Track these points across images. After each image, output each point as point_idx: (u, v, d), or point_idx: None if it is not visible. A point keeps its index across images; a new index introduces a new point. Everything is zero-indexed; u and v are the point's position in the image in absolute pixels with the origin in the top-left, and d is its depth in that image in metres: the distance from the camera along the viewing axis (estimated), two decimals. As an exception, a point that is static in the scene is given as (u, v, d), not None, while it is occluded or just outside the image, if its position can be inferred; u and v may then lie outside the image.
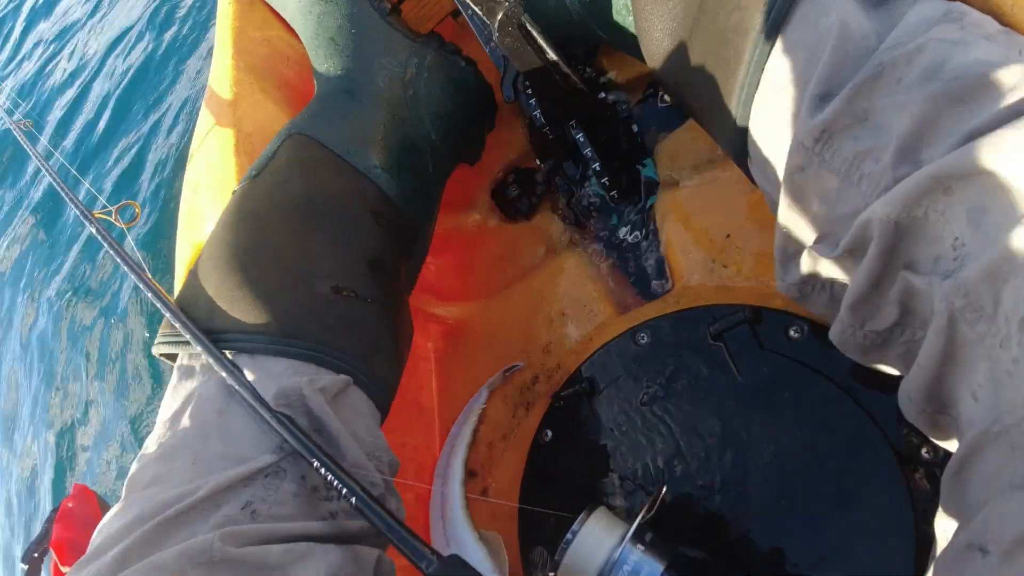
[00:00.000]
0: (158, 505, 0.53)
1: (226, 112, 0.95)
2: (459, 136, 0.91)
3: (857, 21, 0.53)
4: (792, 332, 0.73)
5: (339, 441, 0.60)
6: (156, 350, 0.68)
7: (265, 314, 0.65)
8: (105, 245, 0.75)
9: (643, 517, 0.58)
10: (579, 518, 0.60)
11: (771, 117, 0.57)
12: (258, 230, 0.71)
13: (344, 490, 0.52)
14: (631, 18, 0.76)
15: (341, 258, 0.72)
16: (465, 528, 0.77)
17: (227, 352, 0.63)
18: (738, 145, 0.63)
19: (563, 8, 0.83)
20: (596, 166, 0.90)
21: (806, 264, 0.56)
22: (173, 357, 0.69)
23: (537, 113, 0.93)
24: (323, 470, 0.53)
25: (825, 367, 0.71)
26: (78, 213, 0.81)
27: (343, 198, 0.76)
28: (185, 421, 0.60)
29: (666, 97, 0.97)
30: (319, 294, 0.69)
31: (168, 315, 0.66)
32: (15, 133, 1.03)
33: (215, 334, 0.63)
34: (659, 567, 0.59)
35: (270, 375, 0.62)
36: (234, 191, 0.77)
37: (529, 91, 0.94)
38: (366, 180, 0.78)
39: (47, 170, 0.90)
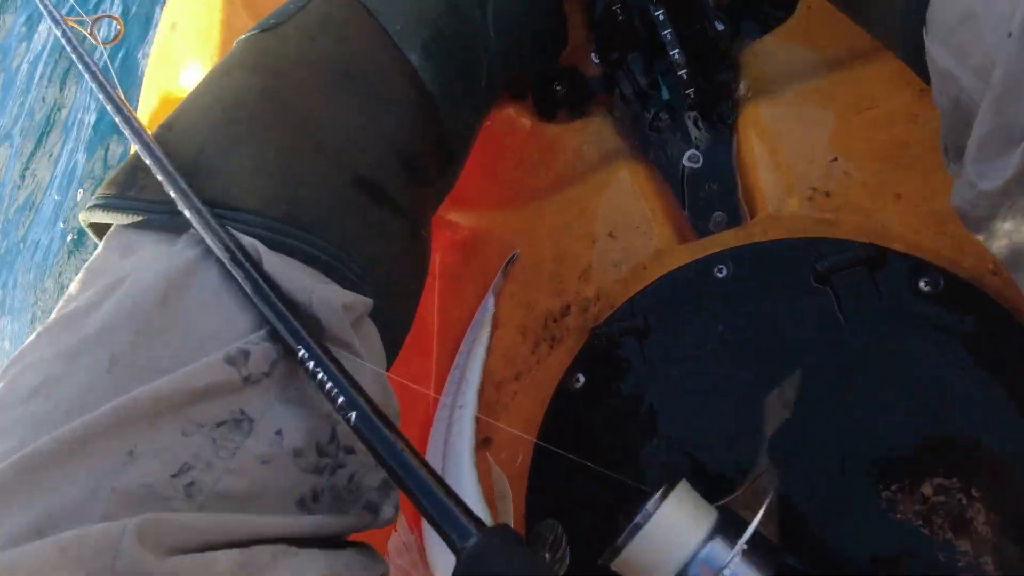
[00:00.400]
0: (39, 428, 0.35)
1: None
2: (519, 57, 0.72)
3: None
4: (923, 284, 0.56)
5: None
6: (87, 217, 0.48)
7: (271, 188, 0.46)
8: (74, 57, 0.55)
9: (759, 520, 0.41)
10: (656, 496, 0.42)
11: None
12: (274, 82, 0.52)
13: (341, 399, 0.34)
14: None
15: (373, 143, 0.54)
16: (467, 460, 0.60)
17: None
18: (913, 17, 0.46)
19: None
20: (675, 54, 0.72)
21: (1018, 164, 0.40)
22: (104, 233, 0.49)
23: (608, -16, 0.74)
24: (312, 364, 0.35)
25: (962, 333, 0.55)
26: (45, 14, 0.60)
27: (384, 74, 0.57)
28: (104, 311, 0.41)
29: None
30: (344, 181, 0.50)
31: (137, 146, 0.46)
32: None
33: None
34: None
35: (270, 273, 0.43)
36: (237, 41, 0.57)
37: (600, -43, 0.75)
38: (411, 68, 0.59)
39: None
